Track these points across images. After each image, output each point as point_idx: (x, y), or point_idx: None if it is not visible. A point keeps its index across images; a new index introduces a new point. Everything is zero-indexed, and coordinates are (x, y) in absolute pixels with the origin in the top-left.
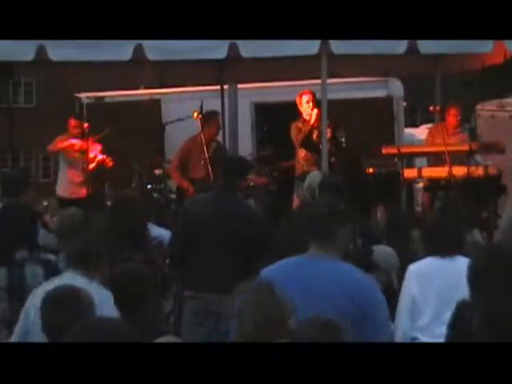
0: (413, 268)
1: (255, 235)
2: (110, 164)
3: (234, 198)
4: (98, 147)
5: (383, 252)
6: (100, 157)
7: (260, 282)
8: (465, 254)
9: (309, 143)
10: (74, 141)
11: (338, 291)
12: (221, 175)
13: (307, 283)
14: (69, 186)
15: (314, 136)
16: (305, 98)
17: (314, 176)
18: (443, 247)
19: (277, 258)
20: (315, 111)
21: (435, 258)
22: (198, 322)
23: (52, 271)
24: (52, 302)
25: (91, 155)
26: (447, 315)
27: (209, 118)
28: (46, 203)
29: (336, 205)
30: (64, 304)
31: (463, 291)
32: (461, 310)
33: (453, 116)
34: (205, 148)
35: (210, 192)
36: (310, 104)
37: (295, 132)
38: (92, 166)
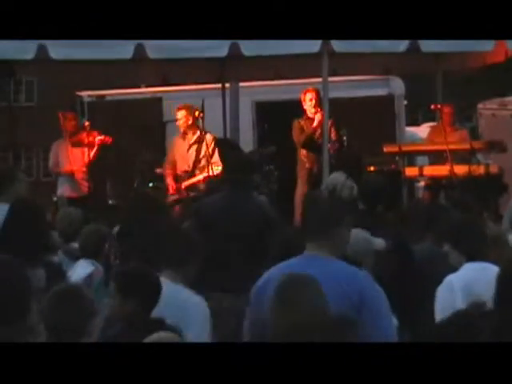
0: (455, 281)
1: (269, 234)
2: (110, 141)
3: (247, 196)
4: (94, 133)
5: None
6: (99, 137)
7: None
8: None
9: (310, 145)
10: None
11: (337, 291)
12: (228, 174)
13: None
14: (70, 184)
15: (316, 137)
16: (308, 95)
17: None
18: (480, 252)
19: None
20: (318, 116)
21: (473, 264)
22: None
23: (55, 273)
24: (55, 300)
25: (90, 139)
26: None
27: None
28: (55, 199)
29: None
30: (66, 302)
31: None
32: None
33: (446, 115)
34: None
35: (221, 192)
36: (313, 102)
37: (297, 132)
38: (94, 151)
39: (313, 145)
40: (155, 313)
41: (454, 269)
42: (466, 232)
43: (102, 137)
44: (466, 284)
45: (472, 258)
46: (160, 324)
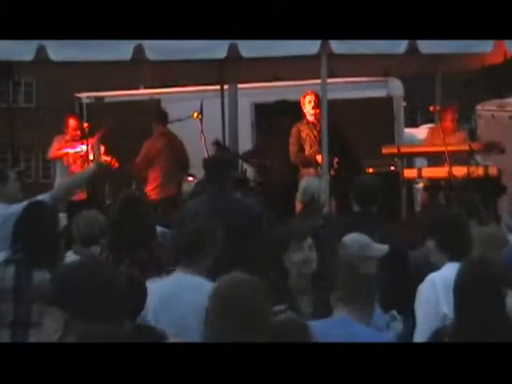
0: (437, 279)
1: (254, 231)
2: (116, 165)
3: (230, 196)
4: (101, 148)
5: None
6: (105, 159)
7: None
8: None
9: (307, 165)
10: (70, 150)
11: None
12: (208, 177)
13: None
14: None
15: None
16: (308, 98)
17: (310, 182)
18: (463, 251)
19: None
20: (319, 158)
21: (455, 264)
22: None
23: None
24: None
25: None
26: None
27: None
28: None
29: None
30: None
31: None
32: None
33: (449, 120)
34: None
35: (204, 194)
36: (313, 104)
37: (294, 144)
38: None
39: (310, 164)
40: (173, 303)
41: (437, 267)
42: (450, 231)
43: (107, 158)
44: (447, 283)
45: (454, 257)
46: (149, 330)
